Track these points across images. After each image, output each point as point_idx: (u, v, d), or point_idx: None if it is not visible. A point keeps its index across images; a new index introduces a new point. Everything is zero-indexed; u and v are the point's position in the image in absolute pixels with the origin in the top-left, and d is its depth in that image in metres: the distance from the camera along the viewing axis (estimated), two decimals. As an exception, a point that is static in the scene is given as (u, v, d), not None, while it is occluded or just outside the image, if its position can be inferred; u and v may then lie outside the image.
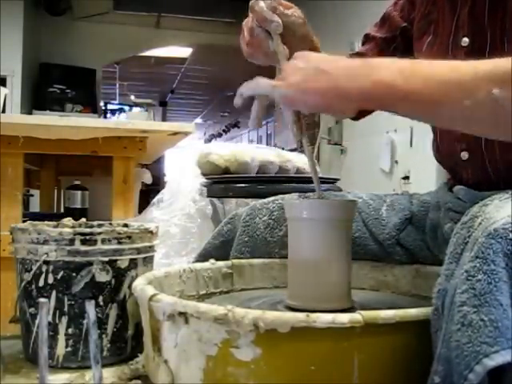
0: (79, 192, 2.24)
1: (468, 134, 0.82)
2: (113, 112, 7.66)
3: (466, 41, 0.89)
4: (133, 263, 0.98)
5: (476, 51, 0.87)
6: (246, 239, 1.05)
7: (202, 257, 1.08)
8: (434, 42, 0.97)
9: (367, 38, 1.16)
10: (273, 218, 1.05)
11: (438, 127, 0.92)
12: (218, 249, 1.09)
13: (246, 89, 0.83)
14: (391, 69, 0.69)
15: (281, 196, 1.10)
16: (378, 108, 0.76)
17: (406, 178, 3.75)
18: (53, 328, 0.94)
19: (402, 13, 1.09)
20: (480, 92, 0.62)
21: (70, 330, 0.94)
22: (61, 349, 0.94)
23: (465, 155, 0.89)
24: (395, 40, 1.10)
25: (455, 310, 0.53)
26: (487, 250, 0.52)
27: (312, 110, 0.77)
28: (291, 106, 0.79)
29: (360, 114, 1.04)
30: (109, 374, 0.91)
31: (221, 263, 1.02)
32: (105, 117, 7.12)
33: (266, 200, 1.11)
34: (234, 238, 1.08)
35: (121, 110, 7.59)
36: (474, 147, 0.87)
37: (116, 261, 0.96)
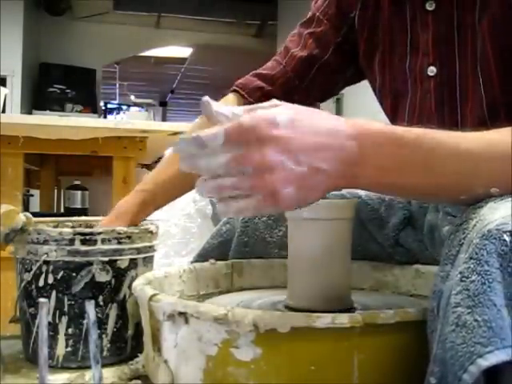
0: (79, 192, 2.25)
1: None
2: (110, 111, 7.65)
3: (432, 70, 0.85)
4: (133, 263, 0.98)
5: (445, 82, 0.84)
6: (246, 239, 1.05)
7: (201, 257, 1.08)
8: (383, 62, 0.93)
9: (286, 51, 1.07)
10: (272, 218, 1.05)
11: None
12: (217, 249, 1.09)
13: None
14: (387, 150, 0.57)
15: None
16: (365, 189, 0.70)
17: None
18: (53, 328, 0.94)
19: (330, 19, 1.02)
20: (479, 190, 0.59)
21: (70, 330, 0.94)
22: (61, 349, 0.94)
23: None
24: (324, 58, 1.03)
25: (450, 311, 0.53)
26: (481, 251, 0.52)
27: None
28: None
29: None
30: (109, 374, 0.91)
31: (221, 263, 1.02)
32: (105, 117, 7.12)
33: None
34: (232, 238, 1.07)
35: (119, 110, 7.59)
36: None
37: (116, 261, 0.96)
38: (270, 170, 0.51)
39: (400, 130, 0.59)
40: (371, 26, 0.95)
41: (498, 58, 0.79)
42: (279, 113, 0.54)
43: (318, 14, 1.06)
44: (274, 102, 0.58)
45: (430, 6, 0.84)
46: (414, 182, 0.59)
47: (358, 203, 1.01)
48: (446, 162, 0.58)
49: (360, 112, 4.48)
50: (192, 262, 1.06)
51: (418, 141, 0.58)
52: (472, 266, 0.52)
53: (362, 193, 1.08)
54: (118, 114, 7.53)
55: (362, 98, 4.46)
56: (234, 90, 1.07)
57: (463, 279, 0.52)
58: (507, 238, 0.52)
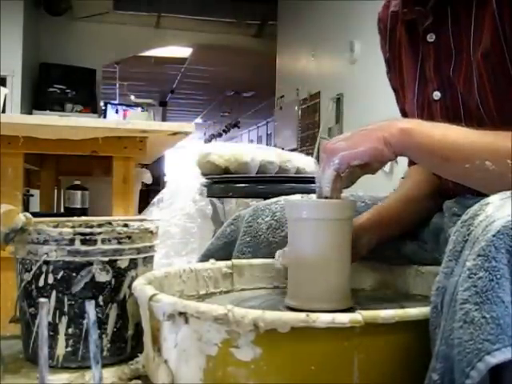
0: (79, 192, 2.24)
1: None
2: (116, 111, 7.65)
3: (437, 94, 0.94)
4: (133, 263, 0.98)
5: (449, 105, 0.93)
6: (249, 239, 1.06)
7: (205, 257, 1.09)
8: (406, 92, 1.04)
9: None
10: (275, 218, 1.06)
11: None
12: (221, 250, 1.10)
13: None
14: (412, 122, 0.83)
15: (284, 197, 1.10)
16: (400, 153, 0.82)
17: (406, 178, 3.75)
18: (53, 328, 0.94)
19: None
20: (477, 160, 0.75)
21: (69, 330, 0.94)
22: (61, 349, 0.94)
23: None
24: None
25: (457, 307, 0.53)
26: (489, 248, 0.53)
27: (361, 158, 0.81)
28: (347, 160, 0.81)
29: None
30: (109, 374, 0.91)
31: (221, 263, 1.02)
32: (104, 116, 7.12)
33: (268, 201, 1.12)
34: (236, 238, 1.08)
35: (117, 111, 7.60)
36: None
37: (116, 261, 0.96)
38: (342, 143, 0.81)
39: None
40: (398, 64, 1.07)
41: (493, 83, 0.86)
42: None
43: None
44: None
45: (430, 38, 0.94)
46: (429, 141, 0.79)
47: (362, 208, 1.01)
48: (459, 136, 0.79)
49: (360, 112, 4.48)
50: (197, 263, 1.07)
51: (436, 124, 0.82)
52: (480, 262, 0.52)
53: (362, 195, 1.09)
54: (117, 113, 7.50)
55: (361, 98, 4.47)
56: None
57: (471, 276, 0.52)
58: None
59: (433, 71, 0.94)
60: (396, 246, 1.00)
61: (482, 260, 0.52)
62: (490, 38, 0.84)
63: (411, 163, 1.12)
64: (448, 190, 0.98)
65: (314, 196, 1.00)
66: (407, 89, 1.04)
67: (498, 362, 0.49)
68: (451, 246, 0.59)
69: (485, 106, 0.88)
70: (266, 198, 2.44)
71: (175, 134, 1.75)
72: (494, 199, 0.59)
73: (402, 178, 3.66)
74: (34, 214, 1.01)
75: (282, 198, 1.10)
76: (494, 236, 0.53)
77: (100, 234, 0.95)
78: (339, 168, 0.80)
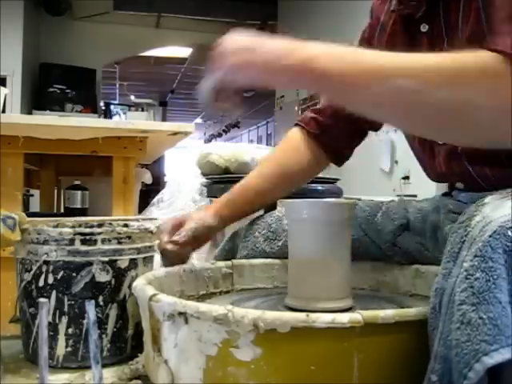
0: (79, 192, 2.24)
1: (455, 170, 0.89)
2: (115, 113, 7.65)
3: (425, 26, 0.93)
4: (133, 263, 0.98)
5: (435, 36, 0.90)
6: (246, 253, 1.08)
7: None
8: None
9: None
10: (271, 230, 1.09)
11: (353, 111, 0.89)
12: None
13: (204, 86, 0.82)
14: (316, 48, 0.75)
15: (278, 209, 1.14)
16: (300, 86, 0.78)
17: (406, 178, 3.75)
18: (53, 328, 0.94)
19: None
20: (387, 81, 0.65)
21: (70, 330, 0.94)
22: (61, 349, 0.94)
23: (460, 185, 0.94)
24: None
25: (455, 308, 0.53)
26: (485, 248, 0.53)
27: (249, 84, 0.77)
28: (232, 84, 0.78)
29: (339, 161, 1.15)
30: (109, 374, 0.91)
31: (221, 263, 1.02)
32: (105, 116, 7.12)
33: (263, 214, 1.15)
34: (234, 256, 1.10)
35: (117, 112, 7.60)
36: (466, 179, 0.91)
37: (116, 261, 0.96)
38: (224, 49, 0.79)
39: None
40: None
41: None
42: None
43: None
44: None
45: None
46: (333, 67, 0.71)
47: (355, 209, 1.02)
48: (368, 59, 0.71)
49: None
50: None
51: (352, 50, 0.76)
52: (477, 263, 0.52)
53: (359, 201, 1.10)
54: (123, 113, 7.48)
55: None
56: (296, 124, 1.16)
57: (468, 277, 0.52)
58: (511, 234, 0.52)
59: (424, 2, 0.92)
60: (398, 244, 1.00)
61: (478, 261, 0.52)
62: (474, 26, 0.82)
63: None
64: (439, 172, 0.96)
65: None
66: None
67: (495, 363, 0.49)
68: (449, 248, 0.59)
69: None
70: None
71: (175, 133, 1.75)
72: (491, 199, 0.59)
73: (402, 178, 3.68)
74: (34, 214, 1.01)
75: (277, 210, 1.14)
76: (490, 236, 0.53)
77: (100, 234, 0.95)
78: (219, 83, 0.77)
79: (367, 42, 1.13)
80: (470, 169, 0.89)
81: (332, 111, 1.10)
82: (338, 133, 1.11)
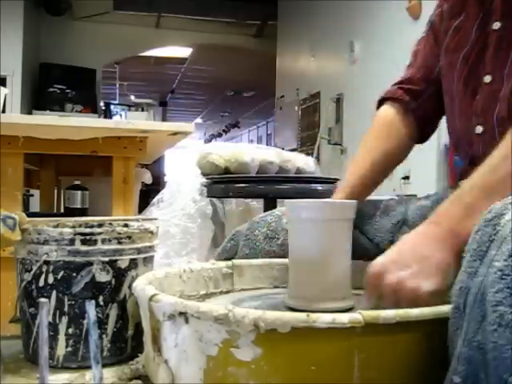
0: (79, 192, 2.24)
1: (485, 112, 0.96)
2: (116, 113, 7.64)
3: (497, 24, 0.96)
4: (133, 263, 0.98)
5: (507, 34, 0.94)
6: (247, 251, 1.09)
7: None
8: (461, 26, 1.03)
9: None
10: (271, 229, 1.09)
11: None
12: None
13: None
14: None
15: (278, 208, 1.16)
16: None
17: (406, 178, 3.75)
18: (53, 328, 0.94)
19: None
20: None
21: (70, 330, 0.94)
22: (61, 349, 0.94)
23: (479, 128, 0.97)
24: None
25: (488, 309, 0.52)
26: None
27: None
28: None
29: (424, 139, 1.16)
30: (109, 374, 0.91)
31: (221, 263, 1.02)
32: (105, 116, 7.12)
33: (264, 214, 1.16)
34: (236, 253, 1.11)
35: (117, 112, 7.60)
36: (489, 123, 0.96)
37: (116, 261, 0.96)
38: (402, 284, 0.73)
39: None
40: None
41: None
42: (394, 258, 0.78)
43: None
44: None
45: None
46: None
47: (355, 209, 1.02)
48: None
49: (360, 112, 4.47)
50: None
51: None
52: None
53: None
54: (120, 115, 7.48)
55: (361, 98, 4.47)
56: (385, 99, 1.16)
57: (504, 277, 0.51)
58: None
59: (500, 1, 0.96)
60: (396, 241, 1.00)
61: None
62: None
63: (380, 100, 1.17)
64: (479, 155, 0.96)
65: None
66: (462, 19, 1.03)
67: None
68: (475, 246, 0.58)
69: None
70: (265, 198, 2.45)
71: (175, 133, 1.75)
72: None
73: (402, 178, 3.68)
74: (34, 214, 1.01)
75: (277, 209, 1.15)
76: None
77: (100, 234, 0.95)
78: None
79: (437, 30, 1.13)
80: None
81: (422, 74, 1.12)
82: (430, 101, 1.12)
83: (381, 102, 1.16)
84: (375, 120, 1.14)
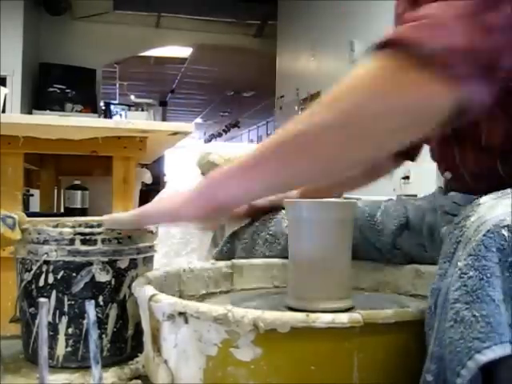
0: (79, 192, 2.24)
1: (445, 156, 0.93)
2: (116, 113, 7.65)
3: None
4: (133, 263, 0.98)
5: None
6: (244, 255, 1.08)
7: None
8: None
9: None
10: (270, 233, 1.08)
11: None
12: None
13: None
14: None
15: (279, 212, 1.13)
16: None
17: (406, 178, 3.75)
18: (53, 328, 0.94)
19: None
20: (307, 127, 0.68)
21: (70, 330, 0.94)
22: (61, 349, 0.94)
23: (448, 175, 0.97)
24: None
25: (448, 307, 0.53)
26: (479, 247, 0.53)
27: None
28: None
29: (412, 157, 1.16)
30: (109, 374, 0.91)
31: (221, 263, 1.02)
32: (105, 116, 7.12)
33: (263, 217, 1.13)
34: (233, 257, 1.09)
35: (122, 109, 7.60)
36: (452, 167, 0.94)
37: (116, 261, 0.96)
38: None
39: None
40: None
41: None
42: None
43: None
44: None
45: None
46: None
47: (356, 209, 1.02)
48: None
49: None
50: None
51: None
52: (470, 262, 0.52)
53: (358, 202, 1.09)
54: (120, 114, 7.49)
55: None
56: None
57: (462, 276, 0.52)
58: (506, 233, 0.52)
59: None
60: (397, 246, 1.00)
61: (472, 259, 0.52)
62: None
63: None
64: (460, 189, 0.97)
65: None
66: None
67: (488, 360, 0.49)
68: (445, 248, 0.59)
69: None
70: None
71: (175, 133, 1.75)
72: (486, 199, 0.59)
73: (402, 178, 3.68)
74: (34, 214, 1.01)
75: (278, 213, 1.13)
76: (484, 236, 0.53)
77: (100, 234, 0.95)
78: None
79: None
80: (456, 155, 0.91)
81: None
82: None
83: None
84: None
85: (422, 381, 0.56)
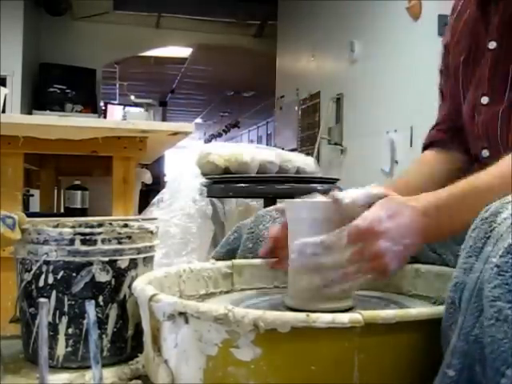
0: (79, 192, 2.24)
1: (488, 134, 0.97)
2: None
3: (493, 44, 0.98)
4: (133, 263, 0.98)
5: (502, 54, 0.96)
6: (250, 245, 1.08)
7: None
8: (456, 50, 1.07)
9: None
10: (276, 223, 1.07)
11: None
12: (225, 257, 1.11)
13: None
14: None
15: (286, 200, 1.13)
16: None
17: (406, 177, 3.75)
18: (53, 328, 0.94)
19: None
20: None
21: (70, 330, 0.94)
22: (61, 349, 0.94)
23: (486, 153, 0.99)
24: None
25: (486, 304, 0.53)
26: None
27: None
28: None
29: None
30: (109, 374, 0.91)
31: (221, 263, 1.02)
32: (105, 116, 7.12)
33: (269, 208, 1.14)
34: (239, 246, 1.10)
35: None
36: (493, 145, 0.97)
37: (116, 261, 0.96)
38: (383, 254, 0.72)
39: (446, 193, 0.78)
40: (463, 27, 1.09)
41: None
42: (380, 212, 0.73)
43: None
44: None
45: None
46: (464, 220, 0.71)
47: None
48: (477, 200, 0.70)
49: (360, 112, 4.48)
50: None
51: (459, 197, 0.77)
52: (511, 260, 0.52)
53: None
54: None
55: (361, 98, 4.47)
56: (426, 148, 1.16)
57: (501, 273, 0.52)
58: None
59: (496, 27, 0.98)
60: None
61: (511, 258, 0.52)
62: None
63: (423, 147, 1.15)
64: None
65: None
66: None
67: None
68: (471, 243, 0.59)
69: None
70: (265, 197, 2.45)
71: (175, 133, 1.75)
72: None
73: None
74: (34, 214, 1.01)
75: (283, 202, 1.12)
76: None
77: (100, 234, 0.95)
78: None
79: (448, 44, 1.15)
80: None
81: (455, 109, 1.12)
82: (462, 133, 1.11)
83: (425, 147, 1.16)
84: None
85: (440, 375, 0.56)
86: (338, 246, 0.74)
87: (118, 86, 8.67)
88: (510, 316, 0.50)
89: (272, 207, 1.14)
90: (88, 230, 0.96)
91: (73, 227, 0.99)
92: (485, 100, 1.00)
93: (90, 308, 0.65)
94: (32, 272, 0.94)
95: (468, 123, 1.05)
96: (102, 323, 0.94)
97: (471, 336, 0.54)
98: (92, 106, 6.41)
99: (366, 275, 0.73)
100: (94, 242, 0.94)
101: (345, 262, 0.73)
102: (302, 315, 0.61)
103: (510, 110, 0.96)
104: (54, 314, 0.94)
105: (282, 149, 3.63)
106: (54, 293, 0.94)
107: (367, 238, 0.72)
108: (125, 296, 0.97)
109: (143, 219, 1.10)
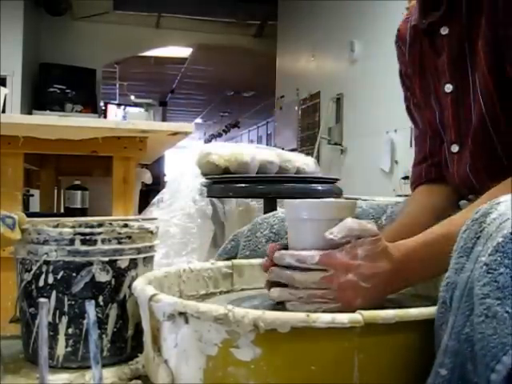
0: (79, 192, 2.24)
1: (466, 185, 0.96)
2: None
3: (449, 87, 0.95)
4: (133, 263, 0.98)
5: (460, 96, 0.93)
6: (248, 253, 1.08)
7: None
8: (422, 85, 1.04)
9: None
10: (273, 231, 1.08)
11: None
12: None
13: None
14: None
15: (281, 210, 1.13)
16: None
17: (406, 177, 3.75)
18: (53, 328, 0.94)
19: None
20: None
21: (70, 330, 0.94)
22: (61, 349, 0.94)
23: (470, 197, 0.98)
24: None
25: (476, 302, 0.53)
26: (508, 245, 0.53)
27: None
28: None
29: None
30: (109, 374, 0.91)
31: (221, 263, 1.02)
32: (105, 116, 7.12)
33: (267, 215, 1.14)
34: (237, 253, 1.10)
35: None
36: (474, 192, 0.95)
37: (116, 261, 0.96)
38: (349, 288, 0.71)
39: (422, 241, 0.78)
40: (419, 62, 1.06)
41: (493, 74, 0.87)
42: (359, 250, 0.73)
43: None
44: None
45: (444, 31, 0.95)
46: (434, 271, 0.77)
47: (358, 212, 1.02)
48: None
49: (360, 112, 4.48)
50: None
51: (431, 247, 0.77)
52: (499, 258, 0.53)
53: (362, 203, 1.09)
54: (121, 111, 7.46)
55: (361, 98, 4.47)
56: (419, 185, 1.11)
57: (490, 271, 0.53)
58: None
59: (446, 64, 0.95)
60: None
61: (500, 256, 0.53)
62: (491, 24, 0.85)
63: (414, 185, 1.10)
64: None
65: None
66: (428, 96, 1.02)
67: None
68: (462, 243, 0.60)
69: (486, 97, 0.89)
70: (265, 197, 2.45)
71: (175, 134, 1.75)
72: (506, 198, 0.60)
73: (402, 178, 3.68)
74: (34, 214, 1.01)
75: (280, 210, 1.13)
76: (511, 233, 0.54)
77: (100, 234, 0.95)
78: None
79: (405, 75, 1.11)
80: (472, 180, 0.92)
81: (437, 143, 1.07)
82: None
83: (415, 186, 1.11)
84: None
85: (433, 375, 0.57)
86: (309, 263, 0.73)
87: (118, 85, 8.68)
88: (499, 312, 0.51)
89: (272, 213, 1.14)
90: (88, 230, 0.96)
91: (73, 227, 0.99)
92: (455, 148, 0.97)
93: (90, 308, 0.65)
94: (32, 272, 0.94)
95: (445, 171, 1.03)
96: (101, 323, 0.94)
97: (462, 335, 0.54)
98: (92, 106, 6.42)
99: (331, 304, 0.72)
100: (94, 242, 0.94)
101: (314, 284, 0.72)
102: (301, 315, 0.61)
103: (479, 159, 0.93)
104: (54, 314, 0.94)
105: (282, 149, 3.63)
106: (53, 293, 0.94)
107: (338, 268, 0.72)
108: (125, 296, 0.97)
109: (143, 219, 1.10)
